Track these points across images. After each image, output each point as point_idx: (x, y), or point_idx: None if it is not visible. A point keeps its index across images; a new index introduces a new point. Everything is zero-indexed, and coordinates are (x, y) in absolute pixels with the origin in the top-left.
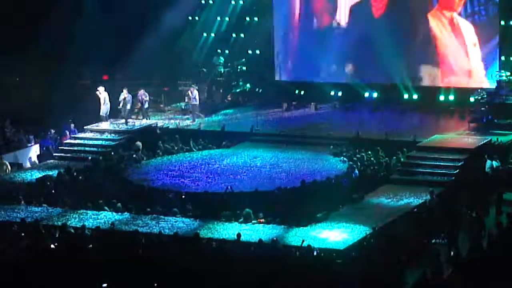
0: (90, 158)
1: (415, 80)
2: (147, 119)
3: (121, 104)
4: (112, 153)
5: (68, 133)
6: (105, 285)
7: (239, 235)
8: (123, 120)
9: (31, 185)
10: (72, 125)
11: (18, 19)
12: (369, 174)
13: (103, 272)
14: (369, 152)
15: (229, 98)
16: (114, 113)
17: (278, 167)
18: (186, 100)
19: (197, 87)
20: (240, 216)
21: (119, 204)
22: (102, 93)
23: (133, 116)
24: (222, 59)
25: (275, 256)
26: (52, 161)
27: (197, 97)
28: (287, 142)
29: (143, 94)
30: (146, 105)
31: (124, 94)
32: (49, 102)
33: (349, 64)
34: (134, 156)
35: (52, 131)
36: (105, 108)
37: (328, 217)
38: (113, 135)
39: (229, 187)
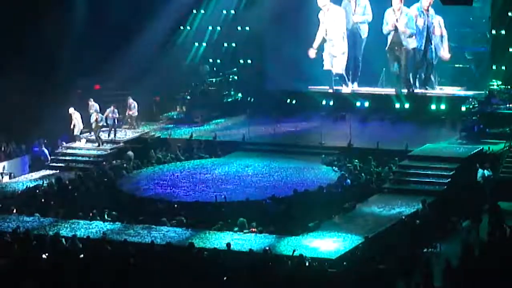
0: (81, 167)
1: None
2: (113, 136)
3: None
4: (104, 163)
5: (63, 143)
6: None
7: (228, 244)
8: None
9: (23, 195)
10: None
11: (6, 28)
12: (361, 184)
13: (94, 282)
14: (359, 161)
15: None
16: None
17: (270, 176)
18: (127, 111)
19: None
20: (232, 225)
21: (113, 213)
22: (74, 113)
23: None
24: (207, 68)
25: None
26: (44, 170)
27: (136, 107)
28: (279, 151)
29: (112, 112)
30: (115, 122)
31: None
32: (40, 112)
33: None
34: (125, 165)
35: (43, 141)
36: (78, 127)
37: (320, 226)
38: (105, 144)
39: (222, 196)
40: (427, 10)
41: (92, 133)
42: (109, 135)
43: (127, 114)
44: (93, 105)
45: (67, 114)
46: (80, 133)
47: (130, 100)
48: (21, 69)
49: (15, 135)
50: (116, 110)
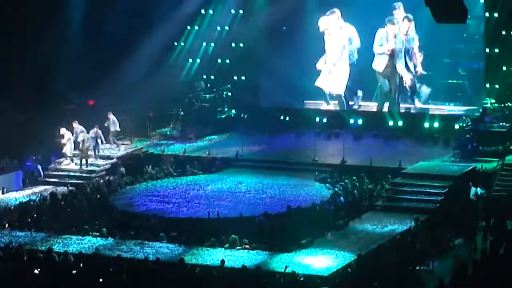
0: (74, 183)
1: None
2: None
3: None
4: (97, 178)
5: (54, 159)
6: None
7: (223, 261)
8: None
9: (15, 210)
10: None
11: (3, 43)
12: (354, 201)
13: None
14: (354, 178)
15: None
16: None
17: (263, 193)
18: (106, 125)
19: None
20: (225, 241)
21: (103, 229)
22: (66, 134)
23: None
24: (202, 84)
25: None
26: (36, 186)
27: (116, 122)
28: (272, 168)
29: (95, 133)
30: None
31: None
32: (34, 127)
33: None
34: (117, 181)
35: (37, 156)
36: (70, 147)
37: (313, 243)
38: (97, 160)
39: (215, 213)
40: (406, 34)
41: (81, 154)
42: (95, 153)
43: (109, 129)
44: (78, 127)
45: (59, 133)
46: (73, 155)
47: (110, 115)
48: (15, 86)
49: (9, 149)
50: (100, 132)
